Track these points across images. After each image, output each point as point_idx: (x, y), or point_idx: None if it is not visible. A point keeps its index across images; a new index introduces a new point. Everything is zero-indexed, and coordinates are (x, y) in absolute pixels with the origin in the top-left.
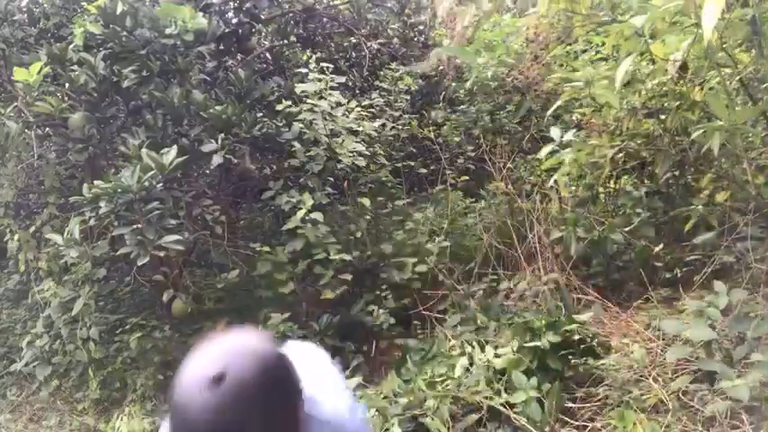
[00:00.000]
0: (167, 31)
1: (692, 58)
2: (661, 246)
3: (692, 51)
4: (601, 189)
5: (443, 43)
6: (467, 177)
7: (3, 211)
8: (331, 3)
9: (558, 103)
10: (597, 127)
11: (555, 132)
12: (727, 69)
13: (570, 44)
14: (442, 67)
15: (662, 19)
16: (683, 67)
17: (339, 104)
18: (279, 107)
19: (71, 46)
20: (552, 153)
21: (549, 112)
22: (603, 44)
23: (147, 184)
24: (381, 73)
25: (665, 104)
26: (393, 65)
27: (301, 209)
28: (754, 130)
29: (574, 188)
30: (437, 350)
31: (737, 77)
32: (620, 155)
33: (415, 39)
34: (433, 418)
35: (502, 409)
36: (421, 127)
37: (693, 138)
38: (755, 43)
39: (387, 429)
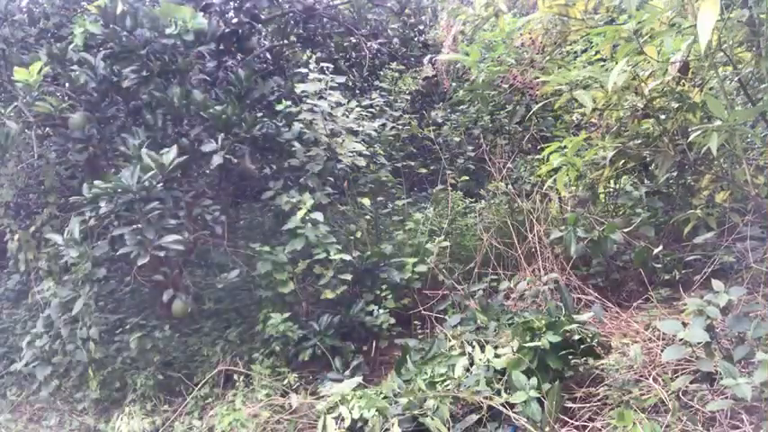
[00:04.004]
0: (167, 31)
1: (692, 59)
2: (661, 247)
3: (693, 52)
4: (601, 189)
5: (443, 44)
6: (467, 177)
7: (3, 211)
8: (331, 3)
9: (560, 101)
10: (597, 132)
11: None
12: (727, 70)
13: (570, 45)
14: (436, 76)
15: (659, 21)
16: (685, 69)
17: (339, 104)
18: (279, 107)
19: (71, 46)
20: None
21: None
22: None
23: (147, 184)
24: (381, 73)
25: (666, 105)
26: (393, 65)
27: (301, 209)
28: (752, 130)
29: (574, 188)
30: (437, 350)
31: (736, 78)
32: (620, 158)
33: (415, 39)
34: (433, 418)
35: (502, 409)
36: (421, 127)
37: (692, 139)
38: (755, 44)
39: (387, 429)
